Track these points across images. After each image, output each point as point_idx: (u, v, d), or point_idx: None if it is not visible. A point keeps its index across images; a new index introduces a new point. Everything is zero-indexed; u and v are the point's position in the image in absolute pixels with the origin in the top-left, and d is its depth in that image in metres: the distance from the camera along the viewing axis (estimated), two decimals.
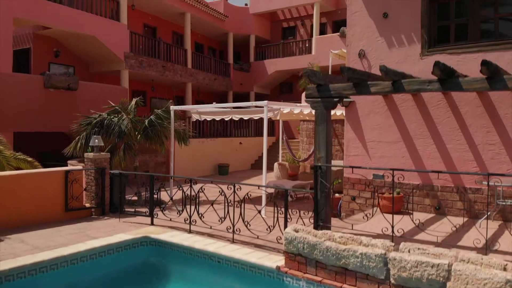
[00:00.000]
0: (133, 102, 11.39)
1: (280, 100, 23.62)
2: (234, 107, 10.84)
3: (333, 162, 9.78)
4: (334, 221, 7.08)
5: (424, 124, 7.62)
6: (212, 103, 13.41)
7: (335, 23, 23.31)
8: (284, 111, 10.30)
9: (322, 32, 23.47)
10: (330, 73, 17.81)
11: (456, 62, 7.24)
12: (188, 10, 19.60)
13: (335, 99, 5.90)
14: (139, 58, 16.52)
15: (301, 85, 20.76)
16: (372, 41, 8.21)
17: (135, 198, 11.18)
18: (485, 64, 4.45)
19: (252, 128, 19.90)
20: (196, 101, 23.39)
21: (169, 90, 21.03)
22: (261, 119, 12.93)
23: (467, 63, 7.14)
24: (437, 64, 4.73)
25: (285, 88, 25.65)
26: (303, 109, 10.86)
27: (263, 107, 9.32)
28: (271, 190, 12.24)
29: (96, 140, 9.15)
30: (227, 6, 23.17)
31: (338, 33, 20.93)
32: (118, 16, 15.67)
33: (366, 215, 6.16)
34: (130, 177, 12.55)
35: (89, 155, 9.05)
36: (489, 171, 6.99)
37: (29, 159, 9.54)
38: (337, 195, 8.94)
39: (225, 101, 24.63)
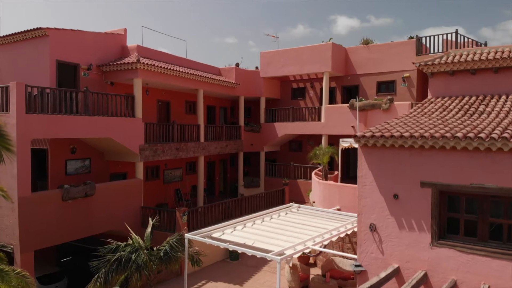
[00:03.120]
0: (149, 229, 11.77)
1: (290, 162, 23.91)
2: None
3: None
4: None
5: None
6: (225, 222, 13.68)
7: (344, 88, 23.52)
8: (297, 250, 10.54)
9: (332, 93, 23.66)
10: (340, 157, 18.00)
11: (466, 260, 7.49)
12: (201, 87, 19.99)
13: None
14: (153, 147, 16.90)
15: (311, 158, 21.02)
16: (383, 218, 8.45)
17: None
18: None
19: (263, 201, 20.11)
20: (208, 163, 23.78)
21: (181, 161, 21.41)
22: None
23: (476, 263, 7.37)
24: None
25: (295, 146, 25.86)
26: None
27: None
28: None
29: None
30: (238, 71, 23.51)
31: (347, 104, 21.27)
32: (133, 111, 16.04)
33: None
34: None
35: None
36: None
37: None
38: None
39: (236, 159, 25.00)
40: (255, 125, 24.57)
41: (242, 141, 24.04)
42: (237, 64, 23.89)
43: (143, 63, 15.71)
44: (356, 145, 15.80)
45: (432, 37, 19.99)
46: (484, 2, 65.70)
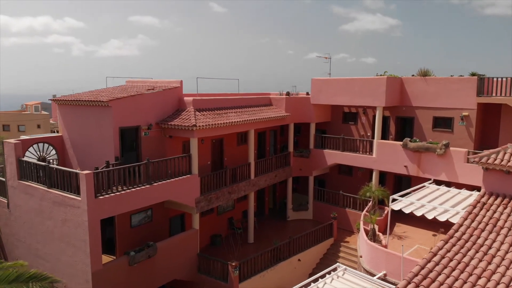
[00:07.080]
0: None
1: (339, 189, 24.18)
2: None
3: None
4: None
5: None
6: None
7: (399, 118, 23.03)
8: None
9: (385, 122, 23.25)
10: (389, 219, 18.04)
11: None
12: (252, 127, 20.56)
13: None
14: (208, 196, 17.96)
15: (360, 197, 21.27)
16: None
17: None
18: None
19: (311, 239, 20.82)
20: (258, 191, 24.56)
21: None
22: None
23: None
24: None
25: (345, 169, 25.87)
26: None
27: None
28: None
29: None
30: (288, 100, 23.64)
31: (401, 143, 20.97)
32: (190, 168, 17.03)
33: None
34: None
35: None
36: None
37: None
38: None
39: (285, 186, 25.47)
40: (304, 151, 24.83)
41: (291, 168, 24.54)
42: (288, 93, 24.03)
43: (199, 126, 16.42)
44: (406, 211, 15.97)
45: (495, 79, 18.97)
46: None
